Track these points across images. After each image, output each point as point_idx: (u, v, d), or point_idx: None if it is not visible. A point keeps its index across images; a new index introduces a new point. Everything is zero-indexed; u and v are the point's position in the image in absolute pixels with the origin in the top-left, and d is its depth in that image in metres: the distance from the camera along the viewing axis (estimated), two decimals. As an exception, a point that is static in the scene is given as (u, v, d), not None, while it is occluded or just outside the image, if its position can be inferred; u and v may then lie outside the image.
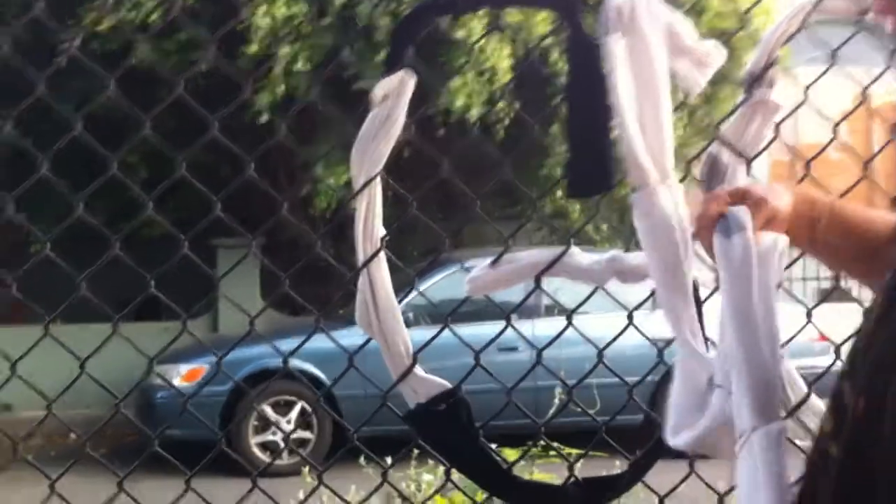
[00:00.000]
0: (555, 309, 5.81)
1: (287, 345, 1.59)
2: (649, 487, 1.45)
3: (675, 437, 1.01)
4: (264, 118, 7.43)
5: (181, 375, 6.45)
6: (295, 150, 8.66)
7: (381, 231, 1.18)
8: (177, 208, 8.87)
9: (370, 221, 1.17)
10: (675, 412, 1.03)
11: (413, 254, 9.54)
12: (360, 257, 1.17)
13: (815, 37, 1.34)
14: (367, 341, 1.36)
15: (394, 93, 1.13)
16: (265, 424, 6.64)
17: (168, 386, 6.43)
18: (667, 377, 1.13)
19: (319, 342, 1.55)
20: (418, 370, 1.16)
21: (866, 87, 1.55)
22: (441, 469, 3.16)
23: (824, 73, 1.43)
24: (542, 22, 7.90)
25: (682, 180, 1.14)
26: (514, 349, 6.11)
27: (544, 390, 4.83)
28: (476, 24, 7.45)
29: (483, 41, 7.40)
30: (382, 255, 1.17)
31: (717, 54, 1.16)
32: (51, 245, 1.41)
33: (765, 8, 7.48)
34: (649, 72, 1.07)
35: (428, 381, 1.16)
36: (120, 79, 1.40)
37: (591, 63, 1.12)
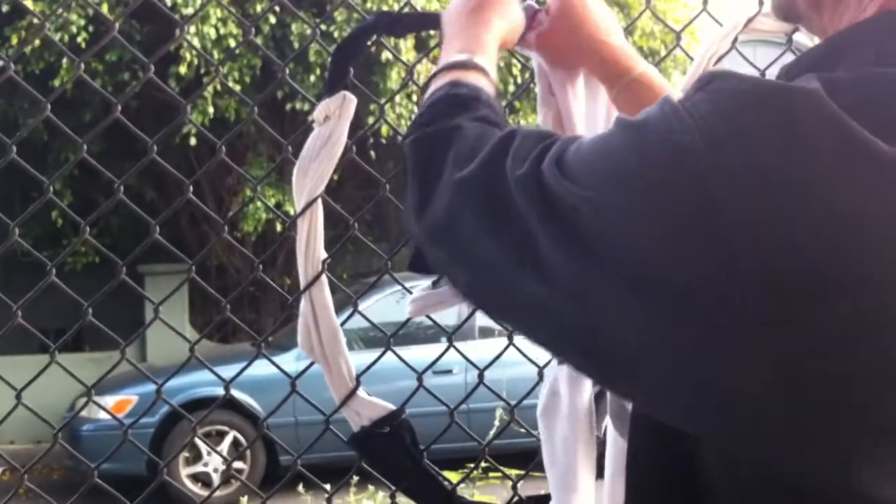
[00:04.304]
0: (492, 331, 5.82)
1: (220, 373, 1.57)
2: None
3: None
4: (193, 141, 7.34)
5: (109, 407, 6.29)
6: (222, 173, 8.56)
7: (322, 253, 1.17)
8: (100, 235, 8.72)
9: (312, 243, 1.15)
10: None
11: (343, 276, 9.49)
12: (302, 280, 1.15)
13: (746, 56, 1.37)
14: (307, 368, 1.34)
15: (335, 113, 1.12)
16: (196, 455, 6.51)
17: (92, 419, 6.27)
18: (602, 393, 1.14)
19: (251, 370, 1.53)
20: (361, 392, 1.15)
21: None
22: (380, 495, 3.13)
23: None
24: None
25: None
26: (448, 372, 6.11)
27: (477, 413, 4.84)
28: (402, 45, 7.48)
29: (411, 61, 7.41)
30: (324, 277, 1.16)
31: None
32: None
33: (690, 28, 7.65)
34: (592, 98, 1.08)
35: (371, 404, 1.14)
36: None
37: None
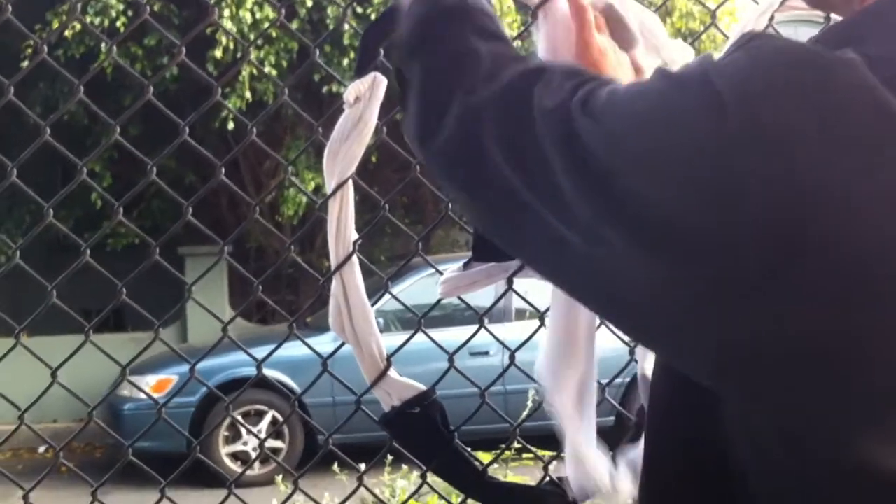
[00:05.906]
0: (525, 313, 5.83)
1: (258, 353, 1.58)
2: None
3: None
4: (231, 125, 7.39)
5: (150, 386, 6.38)
6: (261, 157, 8.62)
7: (353, 235, 1.17)
8: (141, 217, 8.84)
9: (343, 224, 1.16)
10: None
11: (381, 259, 9.54)
12: (333, 261, 1.16)
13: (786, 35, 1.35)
14: (339, 348, 1.35)
15: (365, 95, 1.12)
16: (235, 434, 6.60)
17: (133, 398, 6.37)
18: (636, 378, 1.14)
19: (290, 350, 1.54)
20: (392, 373, 1.16)
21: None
22: (415, 475, 3.15)
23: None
24: (511, 25, 7.93)
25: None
26: (485, 353, 6.12)
27: (514, 394, 4.86)
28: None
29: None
30: (355, 259, 1.16)
31: (685, 54, 1.17)
32: (18, 254, 1.39)
33: (729, 9, 7.58)
34: None
35: (402, 384, 1.15)
36: (86, 85, 1.38)
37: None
